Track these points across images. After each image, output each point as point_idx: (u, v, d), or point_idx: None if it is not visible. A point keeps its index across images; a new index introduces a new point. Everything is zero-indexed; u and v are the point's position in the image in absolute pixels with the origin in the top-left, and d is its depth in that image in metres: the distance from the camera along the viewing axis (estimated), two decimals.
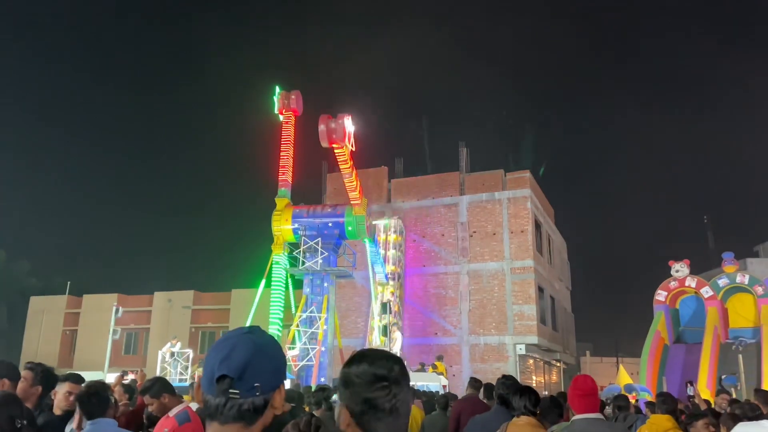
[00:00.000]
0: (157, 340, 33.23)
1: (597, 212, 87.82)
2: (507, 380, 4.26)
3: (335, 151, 18.94)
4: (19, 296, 44.49)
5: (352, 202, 20.21)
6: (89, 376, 5.31)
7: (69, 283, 37.33)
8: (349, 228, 20.37)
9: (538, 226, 28.93)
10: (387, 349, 17.66)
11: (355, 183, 19.96)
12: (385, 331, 15.97)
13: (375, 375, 1.59)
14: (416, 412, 7.55)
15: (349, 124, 18.78)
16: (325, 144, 18.55)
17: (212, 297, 36.56)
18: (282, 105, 22.27)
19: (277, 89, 22.53)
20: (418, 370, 20.39)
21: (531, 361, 27.76)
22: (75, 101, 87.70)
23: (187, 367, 19.32)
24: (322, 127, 18.19)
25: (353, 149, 19.43)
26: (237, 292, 34.53)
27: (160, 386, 4.02)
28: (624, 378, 17.29)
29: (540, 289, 27.90)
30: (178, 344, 19.74)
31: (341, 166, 19.48)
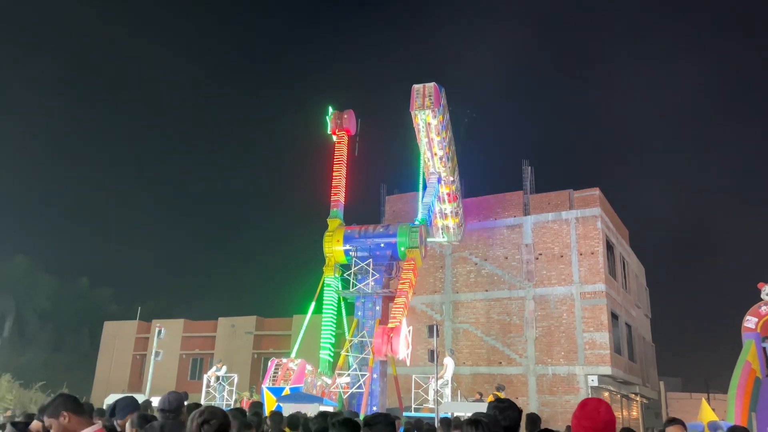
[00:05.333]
0: None
1: (678, 234, 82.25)
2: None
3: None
4: (101, 322, 46.19)
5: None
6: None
7: (140, 308, 38.24)
8: (402, 248, 19.48)
9: (610, 247, 27.00)
10: (437, 377, 16.44)
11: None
12: (432, 356, 14.78)
13: None
14: None
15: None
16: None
17: (274, 323, 36.42)
18: (335, 125, 22.05)
19: (330, 109, 22.25)
20: (476, 401, 19.09)
21: (606, 393, 25.62)
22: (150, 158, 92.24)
23: (232, 392, 18.78)
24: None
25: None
26: (298, 318, 34.19)
27: (60, 403, 3.28)
28: (708, 414, 15.29)
29: (614, 316, 25.87)
30: (224, 368, 19.27)
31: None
